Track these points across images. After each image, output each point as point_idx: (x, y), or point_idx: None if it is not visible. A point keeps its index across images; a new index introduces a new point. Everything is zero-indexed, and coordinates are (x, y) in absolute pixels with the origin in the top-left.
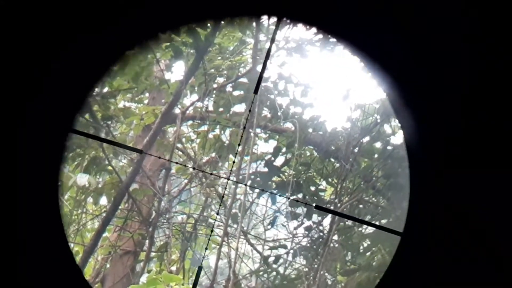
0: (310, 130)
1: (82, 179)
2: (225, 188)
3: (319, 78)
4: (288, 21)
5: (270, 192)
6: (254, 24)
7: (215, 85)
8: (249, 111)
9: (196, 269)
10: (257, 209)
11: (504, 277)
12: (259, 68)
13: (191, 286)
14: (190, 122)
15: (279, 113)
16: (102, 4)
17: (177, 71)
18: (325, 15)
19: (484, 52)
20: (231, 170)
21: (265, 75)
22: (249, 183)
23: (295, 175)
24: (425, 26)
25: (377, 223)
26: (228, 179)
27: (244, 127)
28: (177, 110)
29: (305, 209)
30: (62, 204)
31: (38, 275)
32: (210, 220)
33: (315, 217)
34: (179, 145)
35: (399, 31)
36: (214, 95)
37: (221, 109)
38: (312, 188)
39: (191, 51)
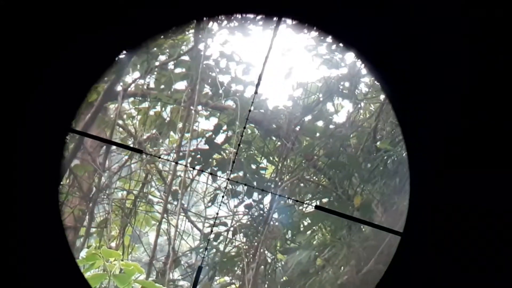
0: (252, 108)
1: None
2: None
3: (261, 56)
4: (288, 21)
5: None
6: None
7: (157, 63)
8: (250, 111)
9: (135, 245)
10: (198, 187)
11: (504, 277)
12: (201, 46)
13: (130, 261)
14: (131, 99)
15: (220, 91)
16: (102, 4)
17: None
18: (325, 15)
19: (484, 52)
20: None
21: (207, 53)
22: (189, 160)
23: (236, 154)
24: (425, 26)
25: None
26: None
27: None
28: (119, 87)
29: (245, 188)
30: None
31: (38, 275)
32: (150, 196)
33: (255, 196)
34: (120, 122)
35: (398, 31)
36: (156, 73)
37: (162, 86)
38: (253, 167)
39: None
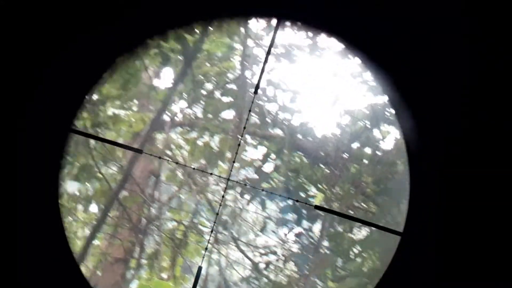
0: (299, 136)
1: (72, 186)
2: (225, 189)
3: (308, 84)
4: (287, 22)
5: (271, 193)
6: (242, 29)
7: (203, 92)
8: (249, 111)
9: (186, 276)
10: (248, 216)
11: (504, 276)
12: (247, 73)
13: None
14: (179, 129)
15: (268, 120)
16: (102, 4)
17: (165, 77)
18: (324, 16)
19: (484, 52)
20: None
21: (254, 81)
22: (239, 189)
23: (284, 182)
24: (426, 27)
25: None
26: (228, 179)
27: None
28: (166, 117)
29: (295, 216)
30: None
31: (38, 274)
32: (200, 227)
33: (305, 224)
34: (168, 152)
35: (399, 31)
36: (202, 102)
37: (209, 116)
38: (302, 195)
39: (180, 57)
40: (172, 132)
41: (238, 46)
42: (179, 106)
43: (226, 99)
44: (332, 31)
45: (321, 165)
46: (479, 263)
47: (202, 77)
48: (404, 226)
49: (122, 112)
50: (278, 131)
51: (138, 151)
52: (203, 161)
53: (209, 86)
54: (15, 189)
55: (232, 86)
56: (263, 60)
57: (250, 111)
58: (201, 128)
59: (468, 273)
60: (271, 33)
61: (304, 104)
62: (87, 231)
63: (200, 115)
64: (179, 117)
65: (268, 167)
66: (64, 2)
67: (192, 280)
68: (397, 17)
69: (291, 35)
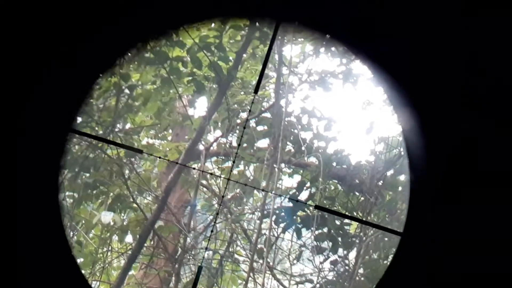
0: (334, 164)
1: (107, 217)
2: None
3: (342, 111)
4: (287, 24)
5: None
6: (276, 57)
7: (238, 121)
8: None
9: None
10: (283, 244)
11: (504, 276)
12: (282, 102)
13: None
14: (214, 158)
15: (303, 148)
16: (102, 4)
17: (200, 106)
18: (323, 18)
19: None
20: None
21: (288, 109)
22: (274, 218)
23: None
24: (426, 27)
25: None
26: (228, 179)
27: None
28: (201, 147)
29: (330, 243)
30: (63, 203)
31: (38, 275)
32: (236, 255)
33: (340, 251)
34: (203, 182)
35: (400, 33)
36: (237, 131)
37: (245, 145)
38: (337, 222)
39: (214, 86)
40: (207, 162)
41: (272, 73)
42: (213, 135)
43: (260, 128)
44: (331, 34)
45: (356, 193)
46: (479, 263)
47: (236, 106)
48: (404, 226)
49: (156, 142)
50: (312, 159)
51: (139, 151)
52: (237, 190)
53: (243, 114)
54: (14, 189)
55: (267, 115)
56: (298, 89)
57: (250, 110)
58: (236, 157)
59: (468, 273)
60: (306, 61)
61: (338, 132)
62: (122, 262)
63: (235, 144)
64: (214, 146)
65: (303, 196)
66: (64, 2)
67: None
68: (399, 18)
69: (325, 62)
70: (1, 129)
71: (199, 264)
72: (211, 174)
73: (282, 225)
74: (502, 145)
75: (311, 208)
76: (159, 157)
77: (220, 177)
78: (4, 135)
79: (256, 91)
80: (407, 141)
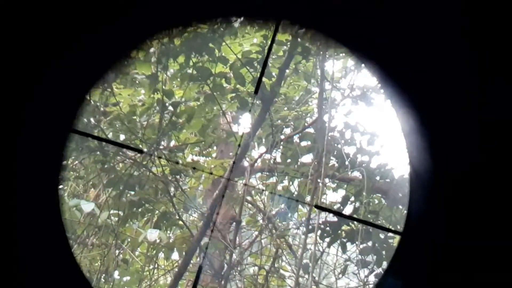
0: (378, 178)
1: (153, 234)
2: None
3: (384, 125)
4: (287, 23)
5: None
6: (319, 72)
7: (282, 136)
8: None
9: None
10: (328, 259)
11: (504, 276)
12: (325, 118)
13: None
14: (258, 174)
15: (346, 162)
16: (102, 4)
17: (244, 123)
18: (325, 17)
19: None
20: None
21: (331, 124)
22: (319, 233)
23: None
24: (426, 28)
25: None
26: (228, 179)
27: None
28: (245, 163)
29: (375, 257)
30: (63, 204)
31: (38, 275)
32: (281, 271)
33: (385, 265)
34: (248, 198)
35: (402, 34)
36: (281, 146)
37: (289, 160)
38: (382, 236)
39: (257, 102)
40: (252, 178)
41: (315, 89)
42: (258, 151)
43: (304, 143)
44: (331, 34)
45: (400, 206)
46: (479, 262)
47: (280, 122)
48: (404, 226)
49: (201, 159)
50: (356, 174)
51: (140, 151)
52: (282, 206)
53: (287, 130)
54: (14, 189)
55: (310, 130)
56: (341, 104)
57: (250, 110)
58: (280, 172)
59: (468, 273)
60: (349, 76)
61: (381, 146)
62: (169, 279)
63: (279, 159)
64: (258, 162)
65: (347, 210)
66: (64, 2)
67: None
68: (400, 20)
69: (367, 77)
70: (1, 129)
71: (200, 265)
72: (210, 173)
73: (327, 239)
74: (501, 145)
75: (355, 222)
76: (160, 157)
77: (220, 177)
78: (4, 135)
79: (256, 91)
80: (407, 141)
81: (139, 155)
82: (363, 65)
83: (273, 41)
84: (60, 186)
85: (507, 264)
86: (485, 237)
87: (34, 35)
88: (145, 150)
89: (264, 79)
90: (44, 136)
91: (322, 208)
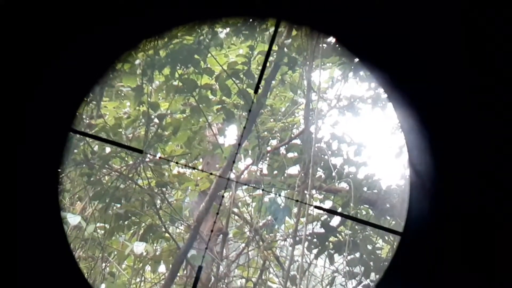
0: (365, 189)
1: (139, 247)
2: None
3: (371, 136)
4: (287, 23)
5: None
6: (305, 83)
7: (268, 148)
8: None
9: None
10: (316, 270)
11: (503, 277)
12: (312, 129)
13: None
14: (245, 187)
15: (333, 174)
16: (102, 4)
17: (230, 135)
18: (324, 17)
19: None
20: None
21: (318, 135)
22: (306, 244)
23: (351, 235)
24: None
25: None
26: (228, 179)
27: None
28: (232, 175)
29: (362, 268)
30: (63, 203)
31: (38, 275)
32: (269, 283)
33: (373, 276)
34: (235, 210)
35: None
36: (268, 158)
37: (275, 172)
38: (369, 247)
39: (243, 113)
40: (239, 190)
41: (301, 100)
42: (244, 163)
43: (291, 155)
44: (332, 34)
45: (387, 217)
46: (479, 262)
47: (266, 133)
48: (404, 226)
49: (187, 171)
50: (343, 185)
51: (139, 151)
52: (269, 217)
53: (274, 142)
54: (15, 188)
55: (297, 141)
56: (328, 114)
57: (250, 110)
58: (267, 184)
59: (468, 273)
60: (335, 86)
61: (368, 157)
62: None
63: (265, 171)
64: (245, 174)
65: (334, 221)
66: (64, 2)
67: None
68: (401, 21)
69: (354, 87)
70: (1, 129)
71: (199, 264)
72: (214, 174)
73: (314, 251)
74: (503, 141)
75: (343, 233)
76: (160, 157)
77: (220, 177)
78: (5, 135)
79: (256, 91)
80: (407, 141)
81: (124, 167)
82: (362, 64)
83: (273, 40)
84: (60, 186)
85: (506, 264)
86: (485, 237)
87: (33, 35)
88: (144, 150)
89: (250, 90)
90: (44, 136)
91: (321, 209)
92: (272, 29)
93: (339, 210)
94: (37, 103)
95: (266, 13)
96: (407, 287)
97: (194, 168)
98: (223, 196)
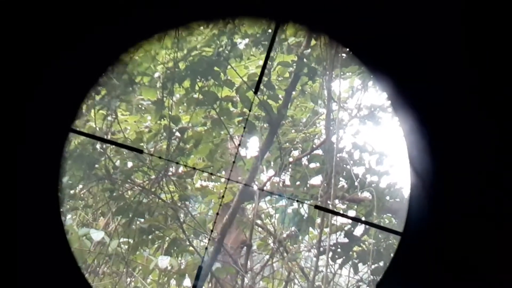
0: (388, 197)
1: (164, 261)
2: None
3: (393, 144)
4: (287, 24)
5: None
6: (325, 93)
7: (290, 159)
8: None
9: None
10: (340, 280)
11: (503, 277)
12: (333, 138)
13: None
14: (268, 198)
15: (355, 183)
16: (102, 4)
17: (252, 146)
18: (325, 19)
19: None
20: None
21: (340, 145)
22: (330, 254)
23: (375, 244)
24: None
25: None
26: (228, 179)
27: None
28: (254, 187)
29: None
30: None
31: (38, 275)
32: None
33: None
34: (258, 221)
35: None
36: (290, 169)
37: (298, 183)
38: (393, 255)
39: (265, 125)
40: (262, 201)
41: (322, 110)
42: (267, 175)
43: (313, 165)
44: (332, 35)
45: None
46: (479, 262)
47: (288, 144)
48: (404, 226)
49: (210, 184)
50: (366, 194)
51: (139, 151)
52: (293, 228)
53: (295, 152)
54: (15, 188)
55: (318, 152)
56: (348, 123)
57: (250, 111)
58: (289, 195)
59: (468, 273)
60: (356, 95)
61: (390, 166)
62: None
63: (288, 182)
64: (267, 186)
65: (358, 231)
66: (64, 2)
67: None
68: (402, 22)
69: (374, 96)
70: (1, 129)
71: (199, 265)
72: (211, 174)
73: (339, 261)
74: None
75: (366, 243)
76: (159, 157)
77: (220, 177)
78: (5, 135)
79: (256, 91)
80: (407, 142)
81: (147, 182)
82: (362, 64)
83: (273, 40)
84: (60, 187)
85: (507, 264)
86: (485, 237)
87: (34, 35)
88: (144, 150)
89: (270, 102)
90: (44, 136)
91: (322, 209)
92: (291, 39)
93: (362, 219)
94: (37, 103)
95: (266, 13)
96: (407, 287)
97: (212, 174)
98: (223, 196)
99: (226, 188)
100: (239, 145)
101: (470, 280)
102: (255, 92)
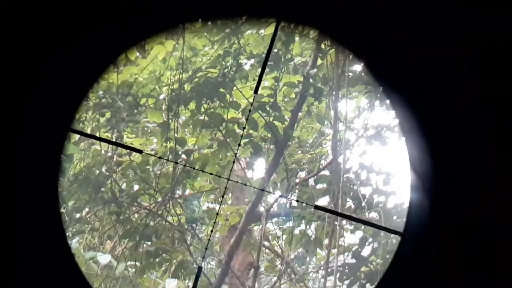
0: (395, 217)
1: (171, 284)
2: None
3: (400, 164)
4: (287, 24)
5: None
6: (332, 113)
7: (297, 180)
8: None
9: None
10: None
11: (503, 277)
12: (340, 159)
13: None
14: (275, 219)
15: (363, 204)
16: (102, 4)
17: (258, 168)
18: (325, 18)
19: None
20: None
21: (347, 166)
22: (338, 275)
23: (382, 264)
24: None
25: None
26: (228, 179)
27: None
28: (261, 208)
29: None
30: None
31: (37, 275)
32: None
33: None
34: (266, 243)
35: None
36: (297, 190)
37: (305, 204)
38: None
39: (271, 146)
40: (269, 223)
41: (328, 130)
42: (273, 196)
43: (320, 186)
44: (332, 35)
45: None
46: (479, 263)
47: (295, 165)
48: (404, 226)
49: (217, 206)
50: (373, 214)
51: (139, 151)
52: (300, 250)
53: (302, 173)
54: (14, 188)
55: (325, 172)
56: (355, 144)
57: (250, 111)
58: (296, 216)
59: (468, 273)
60: (362, 115)
61: (397, 186)
62: None
63: (295, 203)
64: (274, 207)
65: (365, 251)
66: (64, 2)
67: None
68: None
69: (380, 115)
70: (1, 128)
71: (199, 265)
72: (211, 174)
73: (346, 282)
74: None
75: (374, 263)
76: (159, 157)
77: (220, 177)
78: (5, 135)
79: (256, 91)
80: (407, 142)
81: (154, 204)
82: (361, 64)
83: (273, 40)
84: (59, 187)
85: (507, 265)
86: (485, 237)
87: (34, 35)
88: (144, 150)
89: (276, 123)
90: (44, 136)
91: (322, 209)
92: (297, 58)
93: (370, 239)
94: (37, 103)
95: (266, 13)
96: (407, 287)
97: (212, 174)
98: (222, 196)
99: (226, 188)
100: (239, 145)
101: (470, 280)
102: (255, 92)
